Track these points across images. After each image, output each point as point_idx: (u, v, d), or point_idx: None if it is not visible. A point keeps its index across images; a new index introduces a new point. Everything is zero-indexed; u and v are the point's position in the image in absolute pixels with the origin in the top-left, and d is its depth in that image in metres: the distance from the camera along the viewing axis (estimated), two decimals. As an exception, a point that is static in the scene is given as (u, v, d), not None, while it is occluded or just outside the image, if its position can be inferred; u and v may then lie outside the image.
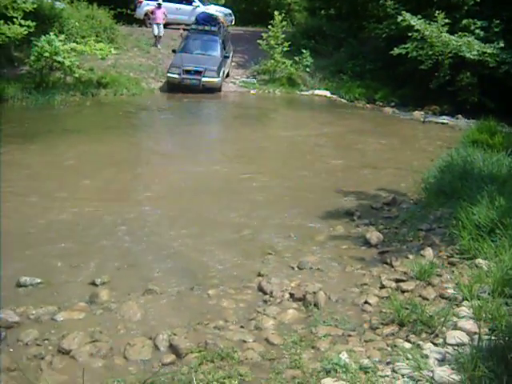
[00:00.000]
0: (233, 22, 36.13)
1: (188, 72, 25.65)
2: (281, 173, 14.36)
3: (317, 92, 26.65)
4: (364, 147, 17.24)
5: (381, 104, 25.39)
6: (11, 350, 6.46)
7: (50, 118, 19.97)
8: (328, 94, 26.45)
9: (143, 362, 6.15)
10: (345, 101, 25.74)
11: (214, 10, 34.41)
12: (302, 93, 26.72)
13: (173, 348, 6.29)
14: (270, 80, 27.26)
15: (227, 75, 28.07)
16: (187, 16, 33.69)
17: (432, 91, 24.29)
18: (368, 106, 25.32)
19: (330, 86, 27.10)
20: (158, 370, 5.91)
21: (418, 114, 23.64)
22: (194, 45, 27.88)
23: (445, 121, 22.83)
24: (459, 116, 23.40)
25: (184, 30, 31.20)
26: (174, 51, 27.88)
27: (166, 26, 30.91)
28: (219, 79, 26.03)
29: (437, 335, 6.12)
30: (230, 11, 36.31)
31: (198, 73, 25.61)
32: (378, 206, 11.62)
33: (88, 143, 16.41)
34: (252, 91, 26.44)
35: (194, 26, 29.10)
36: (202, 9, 33.64)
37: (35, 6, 23.16)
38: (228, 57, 28.13)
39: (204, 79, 25.55)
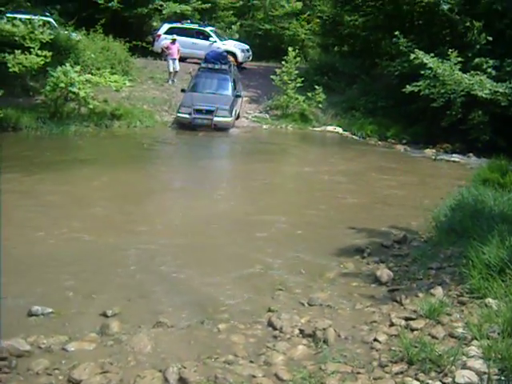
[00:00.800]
0: (250, 58, 35.58)
1: (199, 112, 25.27)
2: (292, 209, 14.45)
3: (329, 128, 26.77)
4: (375, 184, 17.29)
5: (393, 141, 25.46)
6: (21, 378, 6.49)
7: (64, 148, 20.25)
8: (340, 130, 26.56)
9: (153, 395, 6.17)
10: (357, 137, 25.85)
11: (231, 45, 34.37)
12: (315, 129, 26.85)
13: (182, 381, 6.29)
14: (283, 115, 27.44)
15: (238, 116, 27.39)
16: (204, 51, 32.79)
17: (444, 129, 24.41)
18: (380, 143, 25.40)
19: (342, 122, 27.21)
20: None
21: (429, 151, 23.72)
22: (204, 84, 27.42)
23: (456, 159, 22.87)
24: (470, 154, 23.46)
25: (191, 72, 30.47)
26: (183, 91, 27.26)
27: (182, 60, 31.18)
28: (231, 118, 25.68)
29: (446, 374, 6.11)
30: (248, 47, 35.69)
31: (210, 112, 25.20)
32: (388, 243, 11.61)
33: (100, 174, 16.67)
34: (264, 126, 26.62)
35: (203, 65, 28.42)
36: (219, 44, 33.54)
37: (52, 36, 23.45)
38: (239, 96, 27.73)
39: (216, 119, 25.14)
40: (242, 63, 34.32)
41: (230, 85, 27.20)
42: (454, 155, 23.47)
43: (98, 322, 7.90)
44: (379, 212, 14.32)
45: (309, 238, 12.10)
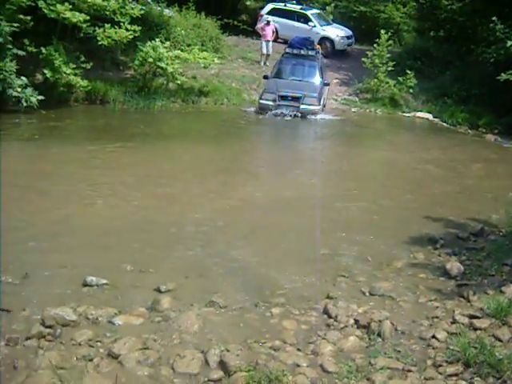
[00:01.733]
0: (352, 45, 32.98)
1: (284, 98, 23.76)
2: (372, 195, 13.97)
3: (419, 114, 26.01)
4: (460, 174, 16.68)
5: (484, 131, 24.59)
6: (63, 348, 6.44)
7: (148, 121, 20.25)
8: (430, 117, 25.78)
9: (189, 376, 5.98)
10: (447, 125, 25.01)
11: (333, 31, 32.52)
12: (404, 114, 26.15)
13: (222, 364, 6.11)
14: (372, 99, 26.78)
15: (324, 106, 25.37)
16: (304, 35, 32.37)
17: (539, 120, 23.44)
18: (470, 131, 24.54)
19: (433, 108, 26.38)
20: (201, 386, 5.75)
21: (521, 143, 22.81)
22: (288, 70, 25.64)
23: (548, 152, 21.94)
24: None
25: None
26: (265, 77, 25.42)
27: (285, 43, 30.00)
28: (319, 107, 24.09)
29: (505, 381, 5.72)
30: (351, 33, 33.18)
31: (297, 99, 23.71)
32: (464, 235, 11.07)
33: (180, 149, 16.83)
34: (353, 109, 26.03)
35: (288, 50, 26.41)
36: (318, 29, 32.10)
37: (142, 12, 23.47)
38: (327, 84, 25.92)
39: (303, 107, 23.57)
40: (341, 50, 32.35)
41: (318, 72, 25.48)
42: (546, 149, 22.53)
43: (151, 297, 7.81)
44: (460, 202, 13.76)
45: (383, 224, 11.71)
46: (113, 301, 7.69)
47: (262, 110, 23.78)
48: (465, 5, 28.59)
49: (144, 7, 24.89)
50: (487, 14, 25.36)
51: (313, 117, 23.85)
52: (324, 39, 31.54)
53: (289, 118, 23.31)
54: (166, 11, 27.72)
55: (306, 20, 32.27)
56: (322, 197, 13.32)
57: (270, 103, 23.67)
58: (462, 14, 28.92)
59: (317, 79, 25.16)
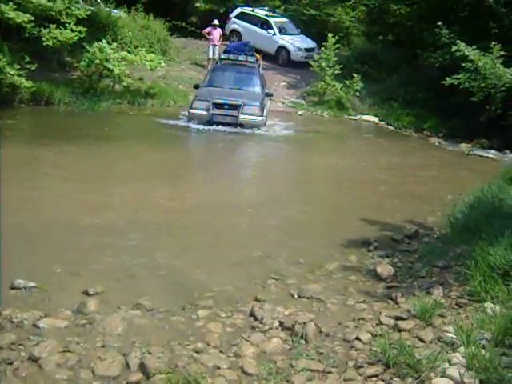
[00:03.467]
0: (312, 58, 29.03)
1: (220, 106, 21.25)
2: (312, 199, 14.04)
3: (365, 117, 26.29)
4: (400, 176, 16.89)
5: (428, 134, 24.94)
6: (-16, 351, 6.32)
7: (89, 123, 20.05)
8: (376, 120, 26.07)
9: (108, 379, 5.93)
10: (392, 128, 25.33)
11: (292, 41, 31.80)
12: (350, 117, 26.39)
13: (142, 367, 6.07)
14: (319, 102, 27.00)
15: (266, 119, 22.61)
16: (264, 43, 31.55)
17: (482, 124, 23.73)
18: (415, 134, 24.89)
19: (380, 112, 26.69)
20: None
21: (464, 146, 23.09)
22: (224, 78, 23.06)
23: (490, 155, 22.27)
24: (507, 151, 22.82)
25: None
26: (196, 87, 23.06)
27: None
28: (262, 118, 21.67)
29: (423, 381, 5.75)
30: (314, 45, 31.47)
31: (235, 108, 21.30)
32: (399, 237, 11.22)
33: (112, 152, 16.93)
34: (299, 112, 26.17)
35: (223, 56, 24.40)
36: (277, 38, 31.76)
37: (89, 13, 23.36)
38: (270, 95, 23.96)
39: (243, 117, 21.14)
40: (298, 62, 31.20)
41: (258, 81, 23.30)
42: (489, 151, 22.86)
43: (79, 300, 7.74)
44: (399, 205, 13.90)
45: (320, 227, 11.85)
46: (40, 304, 7.60)
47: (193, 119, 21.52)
48: (412, 10, 28.88)
49: (91, 8, 24.78)
50: (433, 19, 25.65)
51: (256, 131, 21.31)
52: (281, 48, 31.44)
53: (224, 131, 20.74)
54: (115, 12, 27.60)
55: (270, 27, 32.08)
56: (260, 202, 13.39)
57: (203, 113, 21.22)
58: (410, 19, 29.22)
59: (257, 88, 23.03)
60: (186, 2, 35.09)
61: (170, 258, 9.45)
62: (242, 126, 21.20)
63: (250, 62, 24.02)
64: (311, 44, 31.83)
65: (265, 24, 32.31)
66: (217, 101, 21.39)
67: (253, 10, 33.00)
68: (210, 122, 21.14)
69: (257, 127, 21.49)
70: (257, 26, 32.29)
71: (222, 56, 24.58)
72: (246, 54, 24.28)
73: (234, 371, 6.09)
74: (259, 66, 24.52)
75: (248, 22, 32.32)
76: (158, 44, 28.40)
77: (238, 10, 33.19)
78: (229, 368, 6.15)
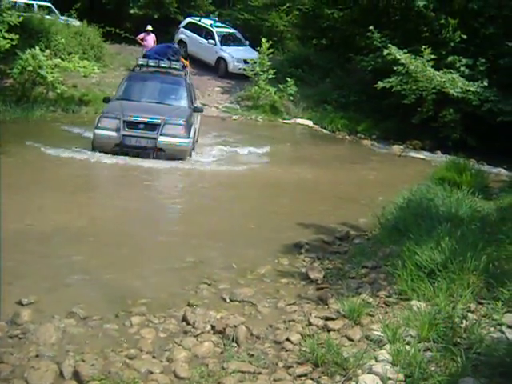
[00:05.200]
0: (252, 72, 28.47)
1: (133, 126, 17.14)
2: (246, 205, 14.17)
3: (299, 121, 26.63)
4: (332, 179, 17.16)
5: (361, 136, 25.39)
6: None
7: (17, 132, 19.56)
8: (310, 123, 26.44)
9: (43, 388, 5.97)
10: (326, 131, 25.69)
11: (232, 52, 31.49)
12: (285, 121, 26.66)
13: (76, 375, 6.11)
14: (253, 106, 27.25)
15: (196, 141, 19.31)
16: (205, 53, 32.14)
17: (415, 126, 24.36)
18: (348, 137, 25.35)
19: (314, 115, 27.08)
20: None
21: (396, 148, 23.66)
22: (141, 90, 19.26)
23: (421, 156, 22.79)
24: (438, 152, 23.42)
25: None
26: (106, 100, 19.37)
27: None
28: (188, 141, 17.57)
29: (350, 378, 5.94)
30: (255, 55, 29.57)
31: (152, 127, 17.17)
32: (330, 240, 11.45)
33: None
34: (234, 117, 26.37)
35: (141, 61, 20.51)
36: (217, 48, 31.71)
37: (21, 19, 23.14)
38: (201, 110, 20.22)
39: (163, 139, 17.04)
40: (237, 73, 30.69)
41: (185, 92, 19.45)
42: (421, 152, 23.38)
43: (13, 311, 7.68)
44: (331, 208, 14.13)
45: (253, 233, 11.89)
46: (-27, 317, 7.55)
47: (99, 146, 17.16)
48: (345, 14, 29.36)
49: (23, 13, 24.58)
50: (365, 23, 26.15)
51: (179, 163, 17.21)
52: (220, 59, 31.33)
53: (136, 160, 16.71)
54: (70, 21, 27.81)
55: (212, 37, 32.00)
56: (193, 209, 13.47)
57: (112, 134, 17.00)
58: (343, 23, 29.73)
59: (183, 101, 19.17)
60: (119, 9, 35.00)
61: (104, 267, 9.44)
62: (161, 151, 17.12)
63: (175, 69, 20.27)
64: (253, 56, 29.99)
65: (209, 34, 32.39)
66: (129, 118, 17.16)
67: (200, 20, 33.00)
68: (120, 147, 16.96)
69: (181, 156, 17.40)
70: (201, 36, 32.37)
71: (140, 61, 20.59)
72: (169, 59, 20.84)
73: (167, 375, 6.18)
74: (186, 74, 20.72)
75: (194, 32, 32.49)
76: (92, 50, 28.33)
77: (187, 20, 33.39)
78: (161, 372, 6.24)
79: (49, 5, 31.26)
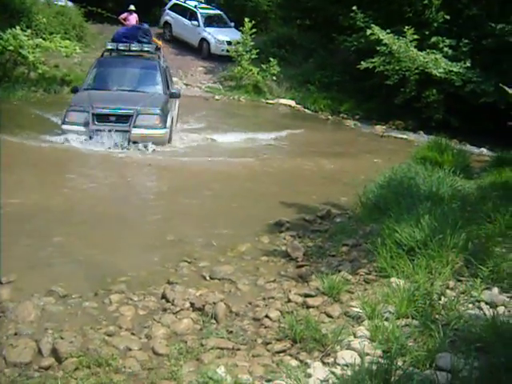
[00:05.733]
0: (235, 52, 28.39)
1: (103, 118, 15.88)
2: (227, 187, 14.07)
3: (282, 101, 26.66)
4: (314, 158, 17.14)
5: (344, 116, 25.45)
6: None
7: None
8: (293, 103, 26.47)
9: (21, 365, 5.94)
10: (309, 111, 25.69)
11: (216, 34, 31.29)
12: (268, 101, 26.65)
13: (54, 352, 6.10)
14: (236, 86, 27.26)
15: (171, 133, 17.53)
16: (189, 35, 32.10)
17: (398, 106, 24.41)
18: (330, 117, 25.40)
19: (297, 95, 27.12)
20: (31, 374, 5.75)
21: (379, 128, 23.69)
22: (111, 77, 17.93)
23: (404, 136, 22.84)
24: (421, 132, 23.49)
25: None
26: (74, 90, 18.12)
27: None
28: (165, 131, 16.45)
29: (328, 354, 5.97)
30: (238, 37, 29.37)
31: (124, 119, 15.94)
32: (311, 218, 11.44)
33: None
34: (217, 97, 26.37)
35: (109, 46, 18.92)
36: (201, 29, 31.69)
37: (1, -1, 23.01)
38: (177, 96, 18.43)
39: (136, 131, 15.92)
40: (220, 55, 30.76)
41: (159, 77, 17.96)
42: (404, 132, 23.44)
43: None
44: (314, 188, 14.10)
45: (235, 211, 11.92)
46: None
47: (69, 139, 15.88)
48: (328, -6, 29.23)
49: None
50: (348, 3, 26.05)
51: (156, 150, 16.08)
52: (203, 40, 31.23)
53: (112, 150, 15.58)
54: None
55: (194, 17, 31.91)
56: (176, 189, 13.45)
57: (81, 129, 15.83)
58: (326, 3, 29.56)
59: (158, 87, 17.76)
60: (102, -12, 34.77)
61: (83, 246, 9.42)
62: (136, 143, 15.93)
63: (147, 52, 18.76)
64: (236, 37, 29.82)
65: (193, 16, 32.26)
66: (98, 110, 15.91)
67: (184, 2, 32.85)
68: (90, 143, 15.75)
69: (157, 143, 16.22)
70: (185, 17, 32.25)
71: (109, 46, 18.94)
72: (140, 42, 19.14)
73: (145, 352, 6.19)
74: (161, 57, 19.03)
75: (179, 14, 32.51)
76: (74, 30, 28.26)
77: (172, 2, 33.33)
78: (140, 349, 6.25)
79: None
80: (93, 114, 15.75)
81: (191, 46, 31.63)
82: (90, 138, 15.64)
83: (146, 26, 21.10)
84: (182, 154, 16.56)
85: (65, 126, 16.03)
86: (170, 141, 16.94)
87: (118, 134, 15.75)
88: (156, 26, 32.97)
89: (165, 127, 16.35)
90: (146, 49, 18.63)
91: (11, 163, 13.33)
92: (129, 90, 17.40)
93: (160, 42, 21.38)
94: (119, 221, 10.99)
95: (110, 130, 15.68)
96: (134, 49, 18.51)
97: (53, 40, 24.19)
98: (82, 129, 15.77)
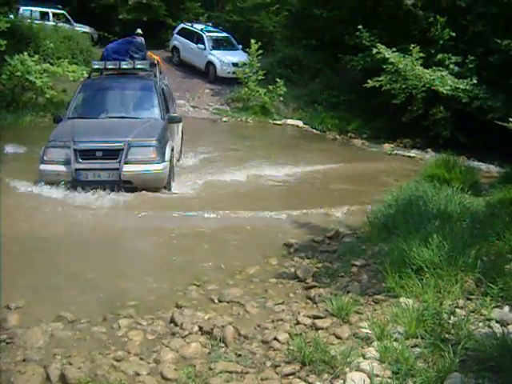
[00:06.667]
0: (244, 75, 28.26)
1: (88, 155, 13.24)
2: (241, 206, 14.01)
3: (289, 121, 26.67)
4: (323, 178, 17.10)
5: (352, 136, 25.40)
6: None
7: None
8: (301, 123, 26.48)
9: (29, 392, 5.95)
10: (316, 131, 25.70)
11: (222, 57, 31.37)
12: (275, 121, 26.67)
13: (63, 378, 6.08)
14: (244, 108, 27.33)
15: (178, 160, 16.46)
16: (196, 59, 32.31)
17: (405, 124, 24.41)
18: (338, 137, 25.35)
19: (304, 115, 27.15)
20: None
21: (387, 146, 23.67)
22: (98, 102, 15.40)
23: (412, 154, 22.83)
24: (428, 150, 23.47)
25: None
26: (56, 120, 15.05)
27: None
28: (163, 166, 13.62)
29: (338, 376, 5.93)
30: (245, 58, 29.24)
31: (113, 154, 13.26)
32: (319, 239, 11.41)
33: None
34: (224, 119, 26.41)
35: (96, 65, 16.51)
36: (207, 53, 31.69)
37: (8, 25, 23.14)
38: (177, 121, 15.83)
39: (128, 169, 13.23)
40: (227, 78, 30.70)
41: (156, 99, 15.26)
42: (412, 150, 23.42)
43: (0, 315, 7.67)
44: (323, 208, 14.06)
45: (243, 234, 11.84)
46: (-41, 321, 7.52)
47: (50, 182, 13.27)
48: (334, 14, 29.36)
49: (11, 18, 24.65)
50: (354, 22, 26.14)
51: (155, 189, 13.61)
52: (209, 63, 31.29)
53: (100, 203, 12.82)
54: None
55: (200, 41, 32.05)
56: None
57: (61, 169, 13.27)
58: (332, 23, 29.66)
59: (155, 111, 15.07)
60: (109, 12, 35.03)
61: (91, 270, 9.42)
62: (128, 183, 13.35)
63: (141, 70, 16.23)
64: (243, 59, 29.49)
65: (200, 39, 32.37)
66: (82, 145, 13.28)
67: (192, 26, 33.02)
68: (73, 184, 13.18)
69: (156, 186, 13.67)
70: (192, 41, 32.40)
71: (95, 65, 16.59)
72: (132, 58, 16.62)
73: (154, 377, 6.17)
74: (158, 75, 16.37)
75: (186, 38, 32.65)
76: (81, 55, 28.48)
77: (180, 26, 33.62)
78: (148, 374, 6.22)
79: (63, 12, 31.82)
80: (75, 150, 13.13)
81: (198, 70, 31.74)
82: (74, 179, 13.12)
83: (139, 39, 19.08)
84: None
85: (43, 167, 13.45)
86: (169, 182, 14.13)
87: (106, 173, 13.27)
88: (162, 49, 33.26)
89: (163, 160, 13.66)
90: (139, 66, 15.99)
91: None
92: (120, 117, 14.79)
93: (157, 57, 19.84)
94: (125, 244, 10.99)
95: (96, 169, 13.24)
96: (124, 67, 15.90)
97: (60, 65, 24.37)
98: (62, 169, 13.24)
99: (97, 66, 16.35)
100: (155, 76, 16.02)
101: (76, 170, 13.10)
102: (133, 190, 13.31)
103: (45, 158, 13.42)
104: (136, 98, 15.65)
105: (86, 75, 20.35)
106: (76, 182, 13.12)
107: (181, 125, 17.03)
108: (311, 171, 18.31)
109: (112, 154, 13.23)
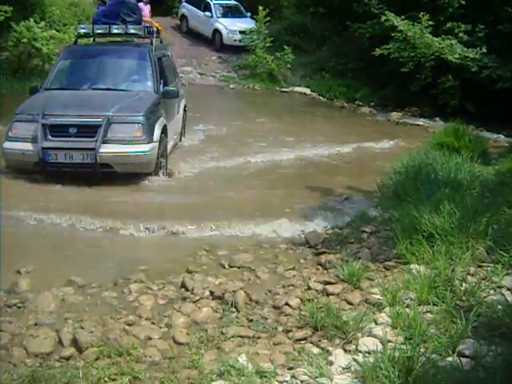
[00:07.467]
0: (251, 43, 28.01)
1: (59, 131, 11.21)
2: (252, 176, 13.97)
3: (297, 89, 26.52)
4: (332, 145, 17.01)
5: (360, 104, 25.26)
6: None
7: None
8: (308, 91, 26.32)
9: (41, 355, 5.92)
10: (324, 99, 25.58)
11: (228, 24, 31.13)
12: (282, 89, 26.57)
13: (75, 342, 6.07)
14: (251, 75, 27.17)
15: (178, 140, 14.91)
16: (203, 27, 32.17)
17: (413, 93, 24.24)
18: (346, 105, 25.21)
19: (311, 83, 26.98)
20: (52, 364, 5.73)
21: (395, 115, 23.50)
22: (82, 72, 13.41)
23: (420, 123, 22.70)
24: (437, 118, 23.28)
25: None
26: (33, 91, 13.01)
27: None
28: (150, 147, 11.45)
29: (350, 341, 5.93)
30: (252, 25, 28.80)
31: (90, 131, 11.17)
32: (329, 205, 11.41)
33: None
34: (231, 86, 26.31)
35: (83, 29, 14.41)
36: (213, 20, 31.48)
37: (10, -9, 22.97)
38: (175, 95, 13.44)
39: (107, 150, 11.11)
40: (233, 46, 30.52)
41: (149, 69, 13.02)
42: (420, 119, 23.30)
43: (11, 280, 7.66)
44: (328, 175, 14.05)
45: (255, 201, 11.83)
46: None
47: (14, 166, 11.61)
48: (341, -19, 29.01)
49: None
50: (363, -11, 25.83)
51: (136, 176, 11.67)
52: (216, 31, 31.04)
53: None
54: None
55: (207, 8, 31.78)
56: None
57: (27, 147, 11.16)
58: (340, -10, 29.35)
59: (147, 83, 12.99)
60: (116, -21, 34.71)
61: (101, 236, 9.45)
62: (107, 167, 11.27)
63: (134, 36, 14.23)
64: (250, 26, 28.89)
65: (207, 7, 32.14)
66: (52, 120, 11.26)
67: None
68: (40, 167, 11.23)
69: (141, 171, 11.74)
70: (200, 9, 32.21)
71: (81, 30, 14.47)
72: (124, 22, 14.04)
73: (166, 341, 6.16)
74: (152, 43, 13.80)
75: (194, 6, 32.39)
76: (87, 21, 28.05)
77: None
78: (160, 338, 6.22)
79: None
80: (43, 125, 11.11)
81: (206, 38, 31.59)
82: (41, 160, 11.04)
83: (133, 2, 15.34)
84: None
85: (7, 144, 11.40)
86: (162, 164, 12.23)
87: (79, 154, 11.10)
88: (169, 17, 33.09)
89: (150, 140, 11.52)
90: (132, 31, 13.86)
91: None
92: (105, 89, 12.71)
93: (158, 24, 17.37)
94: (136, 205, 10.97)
95: (68, 148, 11.09)
96: (115, 31, 13.80)
97: (67, 31, 24.19)
98: (28, 147, 11.15)
99: (84, 31, 14.33)
100: (151, 44, 13.69)
101: (43, 148, 10.96)
102: (112, 175, 11.34)
103: (9, 134, 11.42)
104: (126, 68, 13.55)
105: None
106: (43, 165, 11.10)
107: (183, 101, 15.46)
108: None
109: (88, 130, 11.15)
